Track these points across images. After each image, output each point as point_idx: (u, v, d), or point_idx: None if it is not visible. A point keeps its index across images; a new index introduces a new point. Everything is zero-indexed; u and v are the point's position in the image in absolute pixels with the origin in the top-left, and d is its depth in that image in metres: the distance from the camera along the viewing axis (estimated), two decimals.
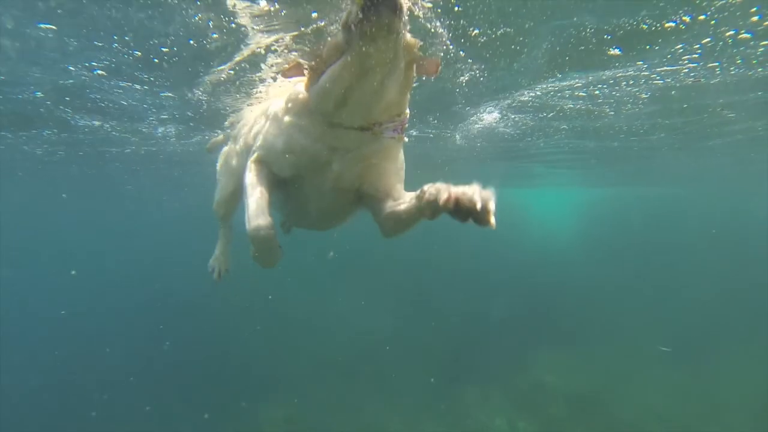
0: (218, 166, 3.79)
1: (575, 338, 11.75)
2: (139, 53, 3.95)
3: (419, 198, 1.88)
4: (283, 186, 2.54)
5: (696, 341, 11.27)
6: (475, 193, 1.60)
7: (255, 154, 2.51)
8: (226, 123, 5.88)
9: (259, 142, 2.53)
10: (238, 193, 3.45)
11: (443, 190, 1.69)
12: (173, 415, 9.60)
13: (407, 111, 2.27)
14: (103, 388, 10.55)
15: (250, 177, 2.43)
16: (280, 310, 14.10)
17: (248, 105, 5.15)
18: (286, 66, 3.59)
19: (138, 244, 27.09)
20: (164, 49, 3.82)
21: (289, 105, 2.38)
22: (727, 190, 19.39)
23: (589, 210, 32.63)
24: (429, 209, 1.81)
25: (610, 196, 26.17)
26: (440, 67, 3.10)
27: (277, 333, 12.63)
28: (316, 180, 2.42)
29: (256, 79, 4.42)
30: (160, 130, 7.43)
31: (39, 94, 5.32)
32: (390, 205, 2.29)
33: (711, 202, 24.82)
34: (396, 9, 1.68)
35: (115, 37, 3.62)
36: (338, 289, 15.78)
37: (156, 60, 4.09)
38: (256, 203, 2.30)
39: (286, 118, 2.37)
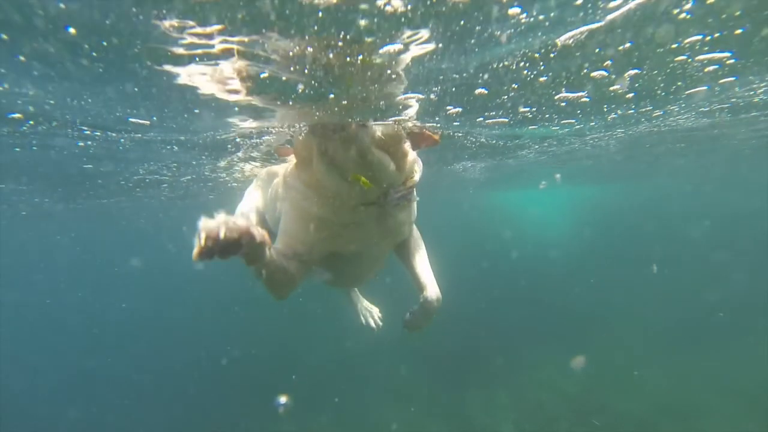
0: None
1: (580, 339, 11.69)
2: None
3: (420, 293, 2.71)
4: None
5: (698, 334, 11.29)
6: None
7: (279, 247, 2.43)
8: None
9: (279, 234, 2.49)
10: None
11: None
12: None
13: (415, 178, 2.39)
14: (112, 396, 11.05)
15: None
16: (282, 316, 14.03)
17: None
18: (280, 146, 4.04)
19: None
20: None
21: (296, 190, 2.45)
22: (726, 184, 19.13)
23: (588, 208, 32.21)
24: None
25: (608, 193, 25.84)
26: (439, 138, 3.41)
27: (282, 340, 12.81)
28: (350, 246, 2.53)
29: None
30: None
31: None
32: (411, 268, 2.92)
33: (709, 195, 24.60)
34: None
35: None
36: (342, 293, 15.88)
37: None
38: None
39: (297, 201, 2.43)
